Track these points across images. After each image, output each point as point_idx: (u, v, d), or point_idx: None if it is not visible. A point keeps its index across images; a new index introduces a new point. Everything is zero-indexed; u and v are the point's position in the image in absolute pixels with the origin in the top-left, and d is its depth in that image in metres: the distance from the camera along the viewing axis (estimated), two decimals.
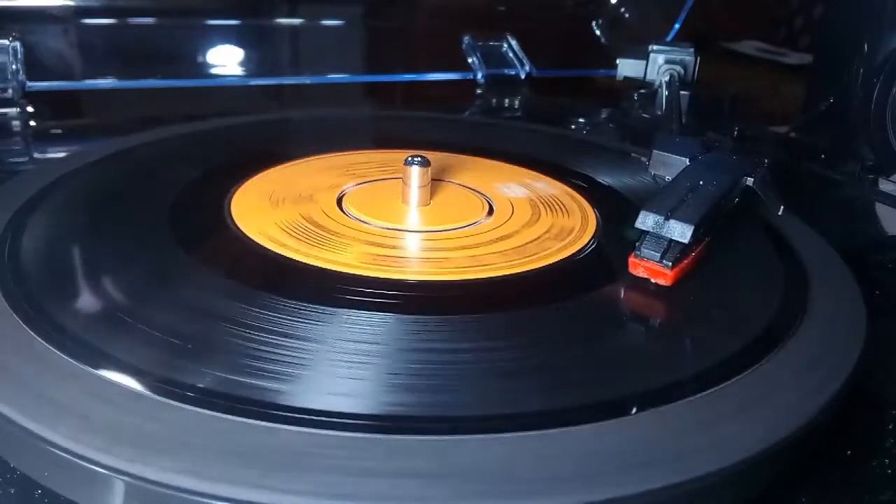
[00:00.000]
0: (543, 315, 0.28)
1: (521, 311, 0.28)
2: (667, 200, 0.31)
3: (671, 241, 0.29)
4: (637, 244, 0.30)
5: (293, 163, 0.41)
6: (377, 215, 0.35)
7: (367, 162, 0.42)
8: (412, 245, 0.33)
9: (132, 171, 0.40)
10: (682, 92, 0.54)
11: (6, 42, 0.55)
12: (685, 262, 0.30)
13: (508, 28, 0.73)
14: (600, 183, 0.42)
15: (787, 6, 1.00)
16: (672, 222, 0.29)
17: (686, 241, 0.29)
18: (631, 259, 0.30)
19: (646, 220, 0.30)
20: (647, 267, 0.30)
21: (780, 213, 0.36)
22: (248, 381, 0.22)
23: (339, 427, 0.21)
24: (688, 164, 0.36)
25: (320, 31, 0.71)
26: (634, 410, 0.22)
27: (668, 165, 0.36)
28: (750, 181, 0.35)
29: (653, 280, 0.30)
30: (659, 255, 0.29)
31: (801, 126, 0.62)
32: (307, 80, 0.67)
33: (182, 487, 0.19)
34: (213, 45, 0.65)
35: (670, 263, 0.29)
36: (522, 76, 0.71)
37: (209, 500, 0.18)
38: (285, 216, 0.34)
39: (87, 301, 0.28)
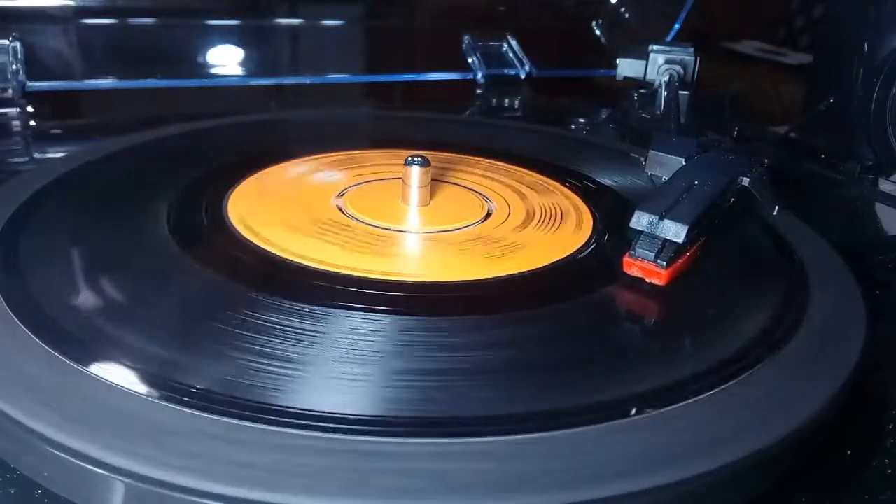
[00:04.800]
0: (540, 316, 0.28)
1: (518, 312, 0.28)
2: (662, 200, 0.31)
3: (665, 240, 0.29)
4: (632, 244, 0.30)
5: (292, 162, 0.41)
6: (377, 215, 0.35)
7: (366, 162, 0.42)
8: (411, 245, 0.33)
9: (132, 171, 0.40)
10: (681, 92, 0.54)
11: (6, 42, 0.55)
12: (680, 261, 0.30)
13: (508, 28, 0.73)
14: (599, 183, 0.42)
15: (787, 6, 1.00)
16: (666, 222, 0.30)
17: (680, 240, 0.29)
18: (626, 259, 0.30)
19: (640, 220, 0.30)
20: (642, 267, 0.30)
21: (775, 213, 0.36)
22: (247, 381, 0.22)
23: (339, 427, 0.21)
24: (684, 163, 0.36)
25: (320, 31, 0.71)
26: (633, 411, 0.22)
27: (665, 165, 0.36)
28: (746, 181, 0.35)
29: (647, 280, 0.30)
30: (653, 254, 0.29)
31: (801, 126, 0.62)
32: (307, 80, 0.67)
33: (181, 487, 0.19)
34: (213, 45, 0.65)
35: (665, 263, 0.29)
36: (522, 76, 0.71)
37: (209, 501, 0.18)
38: (284, 216, 0.34)
39: (86, 301, 0.28)
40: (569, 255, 0.32)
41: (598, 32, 0.79)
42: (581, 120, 0.64)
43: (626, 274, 0.30)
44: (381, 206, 0.36)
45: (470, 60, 0.70)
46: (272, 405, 0.21)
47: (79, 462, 0.19)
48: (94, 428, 0.20)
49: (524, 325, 0.27)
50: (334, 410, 0.21)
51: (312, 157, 0.42)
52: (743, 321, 0.28)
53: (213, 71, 0.65)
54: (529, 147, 0.47)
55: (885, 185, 0.54)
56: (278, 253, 0.31)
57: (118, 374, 0.22)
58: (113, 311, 0.27)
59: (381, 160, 0.43)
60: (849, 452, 0.25)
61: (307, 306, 0.26)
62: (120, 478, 0.19)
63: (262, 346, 0.24)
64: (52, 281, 0.28)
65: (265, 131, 0.51)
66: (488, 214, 0.36)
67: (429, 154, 0.36)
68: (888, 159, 0.53)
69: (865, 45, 0.55)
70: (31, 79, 0.56)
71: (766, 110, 0.77)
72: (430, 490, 0.19)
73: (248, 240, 0.32)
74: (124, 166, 0.40)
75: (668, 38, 0.73)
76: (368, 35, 0.74)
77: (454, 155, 0.44)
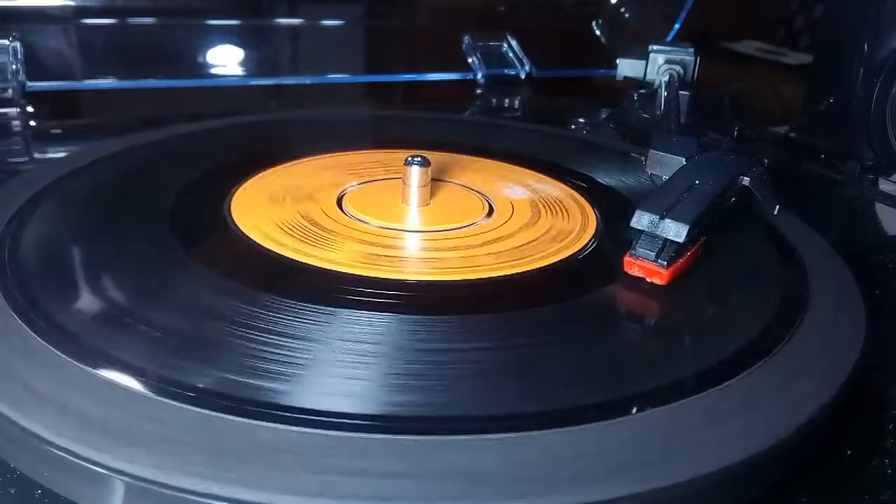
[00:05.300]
0: (540, 315, 0.28)
1: (519, 312, 0.28)
2: (662, 200, 0.31)
3: (666, 240, 0.30)
4: (633, 243, 0.30)
5: (293, 163, 0.41)
6: (377, 215, 0.35)
7: (367, 162, 0.42)
8: (412, 245, 0.33)
9: (132, 171, 0.40)
10: (681, 92, 0.54)
11: (6, 42, 0.55)
12: (680, 261, 0.30)
13: (508, 28, 0.73)
14: (600, 183, 0.42)
15: (787, 6, 1.00)
16: (667, 221, 0.30)
17: (681, 240, 0.29)
18: (626, 258, 0.30)
19: (641, 220, 0.30)
20: (643, 266, 0.30)
21: (775, 213, 0.36)
22: (247, 380, 0.22)
23: (339, 427, 0.21)
24: (684, 163, 0.36)
25: (320, 31, 0.71)
26: (634, 411, 0.22)
27: (665, 165, 0.36)
28: (746, 181, 0.35)
29: (648, 279, 0.30)
30: (654, 254, 0.29)
31: (801, 126, 0.62)
32: (307, 80, 0.67)
33: (181, 487, 0.19)
34: (213, 45, 0.65)
35: (665, 263, 0.29)
36: (522, 76, 0.71)
37: (209, 500, 0.18)
38: (285, 216, 0.34)
39: (86, 301, 0.28)
40: (569, 255, 0.32)
41: (598, 32, 0.79)
42: (581, 120, 0.64)
43: (626, 273, 0.30)
44: (381, 206, 0.36)
45: (470, 60, 0.70)
46: (273, 404, 0.21)
47: (79, 462, 0.19)
48: (94, 428, 0.20)
49: (524, 325, 0.27)
50: (336, 410, 0.21)
51: (313, 157, 0.42)
52: (743, 321, 0.28)
53: (213, 71, 0.65)
54: (529, 147, 0.47)
55: (885, 185, 0.54)
56: (280, 252, 0.31)
57: (119, 374, 0.22)
58: (114, 310, 0.27)
59: (381, 160, 0.43)
60: (849, 452, 0.25)
61: (308, 306, 0.26)
62: (120, 477, 0.19)
63: (263, 345, 0.24)
64: (52, 281, 0.28)
65: (266, 131, 0.51)
66: (489, 214, 0.36)
67: (429, 154, 0.36)
68: (888, 159, 0.53)
69: (865, 45, 0.55)
70: (31, 79, 0.56)
71: (766, 110, 0.77)
72: (431, 489, 0.19)
73: (250, 239, 0.32)
74: (124, 166, 0.40)
75: (668, 38, 0.73)
76: (368, 35, 0.74)
77: (454, 155, 0.44)
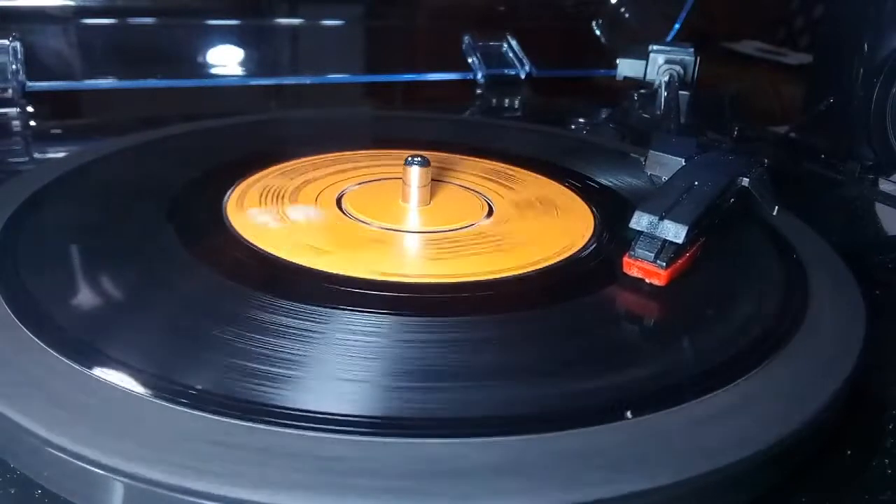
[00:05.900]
0: (539, 316, 0.28)
1: (518, 313, 0.28)
2: (662, 201, 0.31)
3: (665, 241, 0.30)
4: (632, 244, 0.30)
5: (293, 163, 0.41)
6: (377, 215, 0.35)
7: (367, 162, 0.42)
8: (412, 245, 0.33)
9: (132, 171, 0.40)
10: (681, 92, 0.54)
11: (6, 42, 0.55)
12: (679, 262, 0.30)
13: (508, 28, 0.73)
14: (600, 183, 0.42)
15: (787, 6, 1.00)
16: (666, 222, 0.30)
17: (680, 241, 0.29)
18: (625, 259, 0.30)
19: (640, 221, 0.30)
20: (642, 267, 0.30)
21: (774, 214, 0.36)
22: (246, 381, 0.22)
23: (337, 426, 0.21)
24: (684, 164, 0.36)
25: (320, 31, 0.71)
26: (631, 412, 0.22)
27: (665, 165, 0.36)
28: (745, 181, 0.35)
29: (647, 280, 0.30)
30: (653, 255, 0.29)
31: (801, 126, 0.62)
32: (307, 80, 0.67)
33: (181, 487, 0.19)
34: (213, 45, 0.65)
35: (664, 264, 0.29)
36: (522, 76, 0.71)
37: (209, 501, 0.18)
38: (284, 217, 0.34)
39: (86, 301, 0.28)
40: (568, 256, 0.32)
41: (598, 32, 0.79)
42: (581, 120, 0.64)
43: (625, 274, 0.30)
44: (381, 207, 0.36)
45: (470, 60, 0.70)
46: (272, 406, 0.21)
47: (79, 463, 0.19)
48: (94, 428, 0.20)
49: (524, 326, 0.27)
50: (334, 411, 0.21)
51: (313, 157, 0.42)
52: (742, 322, 0.28)
53: (213, 71, 0.65)
54: (529, 147, 0.47)
55: (885, 185, 0.54)
56: (278, 254, 0.31)
57: (118, 375, 0.22)
58: (113, 311, 0.27)
59: (380, 160, 0.43)
60: (849, 452, 0.25)
61: (307, 307, 0.26)
62: (120, 478, 0.19)
63: (261, 346, 0.24)
64: (52, 281, 0.28)
65: (265, 131, 0.51)
66: (488, 214, 0.36)
67: (429, 154, 0.36)
68: (888, 159, 0.53)
69: (865, 45, 0.55)
70: (31, 79, 0.56)
71: (766, 110, 0.77)
72: (429, 490, 0.19)
73: (248, 241, 0.32)
74: (124, 166, 0.40)
75: (668, 38, 0.73)
76: (368, 35, 0.74)
77: (454, 155, 0.44)
